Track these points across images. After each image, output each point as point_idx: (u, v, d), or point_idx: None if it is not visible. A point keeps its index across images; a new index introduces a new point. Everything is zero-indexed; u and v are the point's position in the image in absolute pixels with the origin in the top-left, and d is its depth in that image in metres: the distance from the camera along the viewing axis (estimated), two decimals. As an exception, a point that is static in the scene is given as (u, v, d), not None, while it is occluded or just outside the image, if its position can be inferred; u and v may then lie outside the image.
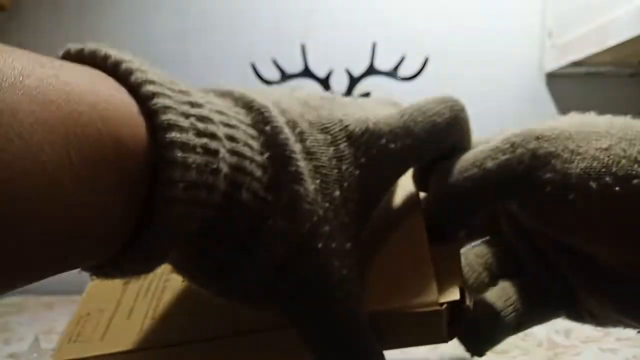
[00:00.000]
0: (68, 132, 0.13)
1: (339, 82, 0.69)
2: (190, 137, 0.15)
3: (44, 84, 0.13)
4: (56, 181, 0.13)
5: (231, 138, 0.17)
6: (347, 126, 0.20)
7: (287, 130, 0.19)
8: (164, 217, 0.15)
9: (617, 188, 0.19)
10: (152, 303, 0.26)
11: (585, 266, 0.21)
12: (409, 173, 0.25)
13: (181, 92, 0.16)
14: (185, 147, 0.15)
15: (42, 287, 0.63)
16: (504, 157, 0.21)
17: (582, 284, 0.22)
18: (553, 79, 0.74)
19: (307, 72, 0.70)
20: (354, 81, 0.70)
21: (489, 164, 0.21)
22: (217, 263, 0.18)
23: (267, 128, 0.18)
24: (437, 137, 0.22)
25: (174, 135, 0.15)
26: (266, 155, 0.18)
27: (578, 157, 0.20)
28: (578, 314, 0.24)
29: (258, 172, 0.17)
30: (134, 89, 0.15)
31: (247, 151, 0.17)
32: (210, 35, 0.75)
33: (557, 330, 0.44)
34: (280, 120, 0.18)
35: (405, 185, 0.25)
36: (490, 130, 0.24)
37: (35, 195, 0.13)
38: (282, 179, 0.18)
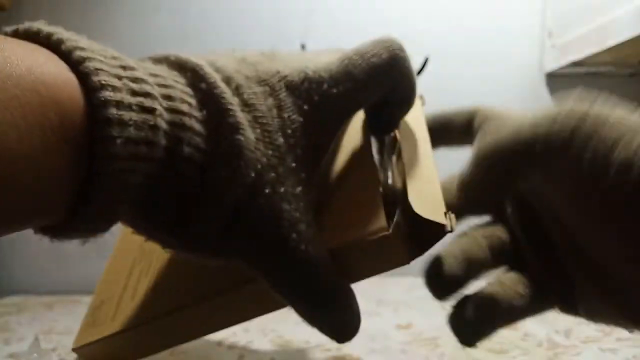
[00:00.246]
0: (10, 96, 0.14)
1: (339, 82, 0.69)
2: (125, 96, 0.16)
3: None
4: (2, 142, 0.13)
5: (167, 97, 0.18)
6: (285, 76, 0.21)
7: (222, 85, 0.19)
8: (105, 173, 0.16)
9: None
10: (151, 280, 0.27)
11: (593, 264, 0.21)
12: (360, 116, 0.26)
13: (114, 58, 0.17)
14: (120, 105, 0.16)
15: (42, 287, 0.63)
16: (543, 128, 0.21)
17: (588, 283, 0.22)
18: (553, 79, 0.74)
19: (307, 72, 0.70)
20: (354, 81, 0.70)
21: (526, 132, 0.21)
22: (169, 217, 0.19)
23: (203, 85, 0.19)
24: (376, 78, 0.22)
25: (107, 94, 0.16)
26: (205, 110, 0.19)
27: (620, 147, 0.19)
28: (572, 309, 0.24)
29: (198, 127, 0.18)
30: (66, 55, 0.16)
31: (185, 108, 0.18)
32: (210, 35, 0.75)
33: (557, 330, 0.44)
34: (215, 77, 0.19)
35: (357, 129, 0.26)
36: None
37: None
38: (222, 130, 0.18)
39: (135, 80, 0.17)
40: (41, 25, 0.17)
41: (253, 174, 0.19)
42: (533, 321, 0.46)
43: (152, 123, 0.17)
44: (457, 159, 0.26)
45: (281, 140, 0.20)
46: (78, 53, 0.16)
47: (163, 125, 0.17)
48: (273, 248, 0.20)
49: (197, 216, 0.19)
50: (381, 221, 0.21)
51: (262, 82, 0.21)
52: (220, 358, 0.38)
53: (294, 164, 0.20)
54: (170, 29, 0.75)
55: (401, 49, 0.23)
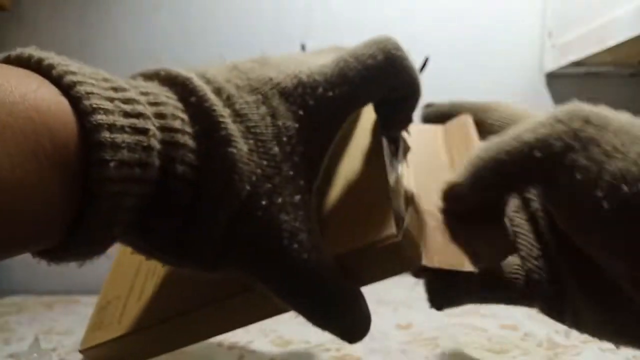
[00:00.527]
0: (3, 124, 0.14)
1: (339, 82, 0.69)
2: (117, 119, 0.16)
3: None
4: None
5: (160, 115, 0.18)
6: (278, 83, 0.21)
7: (212, 97, 0.19)
8: (99, 197, 0.16)
9: None
10: (157, 283, 0.27)
11: (589, 274, 0.21)
12: (371, 118, 0.26)
13: (105, 80, 0.17)
14: (112, 128, 0.16)
15: (42, 287, 0.63)
16: (543, 131, 0.21)
17: (580, 293, 0.22)
18: (553, 79, 0.74)
19: (307, 72, 0.70)
20: (354, 81, 0.70)
21: (528, 136, 0.21)
22: (165, 236, 0.19)
23: (193, 99, 0.19)
24: (372, 80, 0.22)
25: (99, 117, 0.16)
26: (197, 125, 0.18)
27: (618, 156, 0.19)
28: (559, 314, 0.23)
29: (190, 143, 0.18)
30: (58, 80, 0.16)
31: (177, 124, 0.18)
32: (211, 35, 0.75)
33: (557, 330, 0.44)
34: (204, 89, 0.19)
35: (367, 130, 0.26)
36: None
37: None
38: (213, 144, 0.18)
39: (127, 101, 0.17)
40: (32, 51, 0.17)
41: (248, 187, 0.19)
42: (533, 321, 0.46)
43: (145, 144, 0.17)
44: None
45: (276, 149, 0.20)
46: (69, 77, 0.16)
47: (156, 145, 0.17)
48: (274, 260, 0.20)
49: (193, 234, 0.18)
50: (391, 228, 0.21)
51: (254, 90, 0.20)
52: (220, 358, 0.38)
53: (291, 172, 0.20)
54: (170, 29, 0.75)
55: (396, 48, 0.23)
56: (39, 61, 0.16)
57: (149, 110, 0.17)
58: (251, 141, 0.19)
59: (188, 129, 0.18)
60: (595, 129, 0.20)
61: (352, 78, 0.22)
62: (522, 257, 0.24)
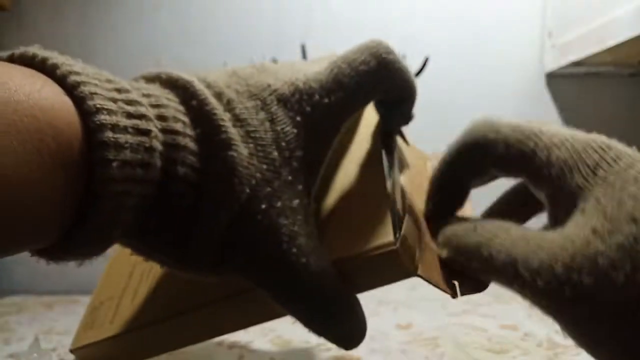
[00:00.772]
0: (8, 122, 0.14)
1: (339, 82, 0.69)
2: (121, 119, 0.16)
3: None
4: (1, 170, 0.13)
5: (161, 117, 0.18)
6: (276, 89, 0.21)
7: (213, 101, 0.19)
8: (101, 196, 0.16)
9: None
10: (152, 284, 0.27)
11: None
12: (370, 126, 0.27)
13: (108, 81, 0.17)
14: (115, 128, 0.16)
15: (42, 287, 0.63)
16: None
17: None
18: (553, 79, 0.74)
19: (307, 72, 0.70)
20: (354, 81, 0.70)
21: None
22: (165, 238, 0.19)
23: (194, 102, 0.19)
24: (366, 85, 0.23)
25: (103, 117, 0.16)
26: (197, 128, 0.19)
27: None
28: None
29: (192, 146, 0.18)
30: (62, 80, 0.16)
31: (179, 127, 0.18)
32: (210, 35, 0.75)
33: (557, 330, 0.44)
34: (205, 93, 0.19)
35: (367, 137, 0.26)
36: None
37: None
38: (214, 147, 0.19)
39: (130, 102, 0.17)
40: (36, 50, 0.17)
41: (248, 190, 0.19)
42: (533, 321, 0.47)
43: (147, 145, 0.17)
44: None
45: (275, 153, 0.20)
46: (73, 77, 0.16)
47: (158, 146, 0.17)
48: (273, 263, 0.20)
49: (193, 236, 0.19)
50: (388, 235, 0.21)
51: (253, 96, 0.21)
52: (220, 358, 0.38)
53: (290, 177, 0.20)
54: (170, 29, 0.75)
55: (388, 52, 0.23)
56: (43, 60, 0.16)
57: (151, 112, 0.17)
58: (251, 145, 0.19)
59: (189, 132, 0.18)
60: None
61: (346, 84, 0.22)
62: None
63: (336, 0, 0.75)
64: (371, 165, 0.25)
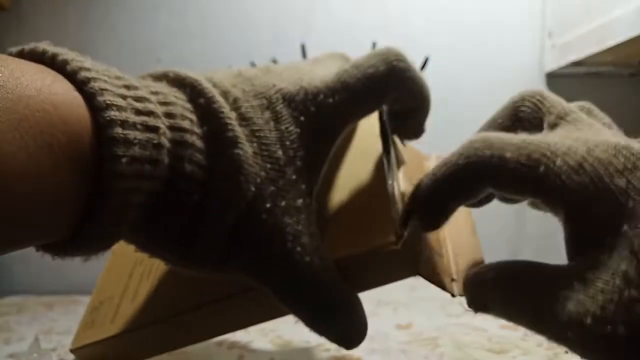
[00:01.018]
0: (20, 116, 0.14)
1: (339, 82, 0.69)
2: (130, 116, 0.16)
3: None
4: (11, 163, 0.14)
5: (169, 115, 0.18)
6: (281, 89, 0.21)
7: (220, 100, 0.19)
8: (110, 192, 0.16)
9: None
10: (153, 283, 0.27)
11: None
12: (370, 126, 0.27)
13: (117, 77, 0.17)
14: (125, 124, 0.16)
15: (42, 287, 0.63)
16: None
17: None
18: (553, 79, 0.74)
19: (307, 72, 0.70)
20: (354, 81, 0.70)
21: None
22: (171, 235, 0.19)
23: (201, 100, 0.19)
24: (373, 89, 0.22)
25: (113, 113, 0.16)
26: (204, 126, 0.19)
27: None
28: None
29: (199, 143, 0.18)
30: (72, 76, 0.16)
31: (186, 124, 0.18)
32: (210, 36, 0.75)
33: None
34: (213, 91, 0.19)
35: (368, 137, 0.26)
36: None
37: None
38: (220, 146, 0.19)
39: (138, 99, 0.17)
40: (46, 46, 0.17)
41: (253, 188, 0.19)
42: (533, 321, 0.46)
43: (156, 142, 0.17)
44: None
45: (280, 152, 0.20)
46: (83, 74, 0.16)
47: (166, 143, 0.17)
48: (277, 262, 0.20)
49: (199, 233, 0.19)
50: (390, 234, 0.21)
51: (258, 95, 0.21)
52: (220, 358, 0.38)
53: (294, 176, 0.20)
54: (170, 29, 0.75)
55: (399, 59, 0.23)
56: (53, 56, 0.17)
57: (159, 110, 0.18)
58: (255, 144, 0.20)
59: (197, 130, 0.18)
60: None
61: (352, 86, 0.22)
62: None
63: (336, 0, 0.75)
64: (371, 165, 0.25)
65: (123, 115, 0.16)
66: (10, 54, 0.17)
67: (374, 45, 0.68)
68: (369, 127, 0.27)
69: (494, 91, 0.74)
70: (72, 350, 0.29)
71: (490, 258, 0.23)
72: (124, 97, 0.17)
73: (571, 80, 0.73)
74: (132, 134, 0.16)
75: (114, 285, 0.30)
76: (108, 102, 0.16)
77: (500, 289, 0.19)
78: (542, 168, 0.17)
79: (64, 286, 0.69)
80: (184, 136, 0.18)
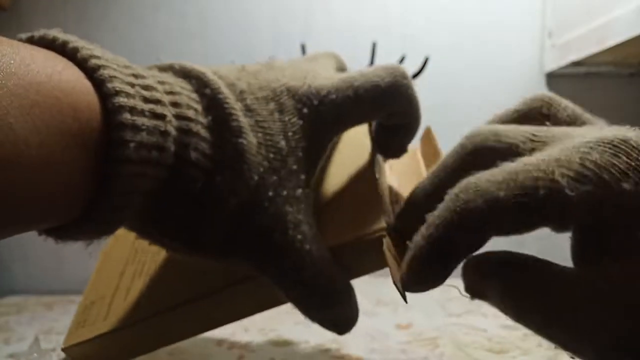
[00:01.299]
0: (32, 102, 0.14)
1: (339, 82, 0.69)
2: (138, 103, 0.17)
3: (5, 58, 0.14)
4: (24, 148, 0.14)
5: (175, 104, 0.18)
6: (285, 83, 0.22)
7: (226, 91, 0.20)
8: (118, 176, 0.16)
9: None
10: (145, 280, 0.27)
11: None
12: (365, 132, 0.27)
13: (126, 66, 0.18)
14: (133, 110, 0.16)
15: (42, 287, 0.63)
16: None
17: None
18: (553, 79, 0.74)
19: (307, 72, 0.70)
20: (354, 81, 0.70)
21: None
22: (174, 222, 0.19)
23: (207, 91, 0.19)
24: (376, 96, 0.23)
25: (122, 100, 0.16)
26: (210, 115, 0.19)
27: None
28: None
29: (203, 132, 0.19)
30: (82, 63, 0.17)
31: (191, 114, 0.19)
32: (210, 35, 0.75)
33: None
34: (219, 83, 0.20)
35: (359, 132, 0.27)
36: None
37: (5, 161, 0.13)
38: (225, 135, 0.19)
39: (146, 87, 0.17)
40: (57, 33, 0.17)
41: (256, 177, 0.19)
42: (533, 321, 0.46)
43: (163, 129, 0.17)
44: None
45: (283, 143, 0.21)
46: (93, 61, 0.17)
47: (172, 131, 0.18)
48: (279, 250, 0.20)
49: (202, 220, 0.19)
50: (380, 222, 0.22)
51: (263, 88, 0.21)
52: (220, 358, 0.38)
53: (295, 166, 0.21)
54: (169, 28, 0.75)
55: (404, 76, 0.24)
56: (64, 44, 0.17)
57: (166, 98, 0.18)
58: (260, 134, 0.20)
59: (201, 119, 0.19)
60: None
61: (356, 88, 0.22)
62: None
63: (336, 1, 0.75)
64: (361, 159, 0.26)
65: (131, 102, 0.16)
66: (21, 40, 0.17)
67: (374, 45, 0.68)
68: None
69: (494, 91, 0.74)
70: (63, 349, 0.29)
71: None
72: (133, 85, 0.17)
73: (571, 80, 0.73)
74: (140, 120, 0.16)
75: (106, 284, 0.30)
76: (117, 88, 0.16)
77: (502, 280, 0.17)
78: (542, 192, 0.15)
79: (63, 286, 0.69)
80: (189, 124, 0.18)
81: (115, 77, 0.16)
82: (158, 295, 0.26)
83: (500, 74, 0.74)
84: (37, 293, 0.68)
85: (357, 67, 0.77)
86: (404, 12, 0.74)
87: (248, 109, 0.20)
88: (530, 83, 0.74)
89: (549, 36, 0.73)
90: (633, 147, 0.15)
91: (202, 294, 0.24)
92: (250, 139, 0.20)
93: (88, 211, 0.16)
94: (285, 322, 0.46)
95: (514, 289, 0.17)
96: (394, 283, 0.20)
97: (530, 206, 0.16)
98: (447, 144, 0.24)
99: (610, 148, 0.16)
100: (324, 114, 0.22)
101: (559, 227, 0.17)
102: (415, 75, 0.69)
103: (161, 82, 0.19)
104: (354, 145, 0.27)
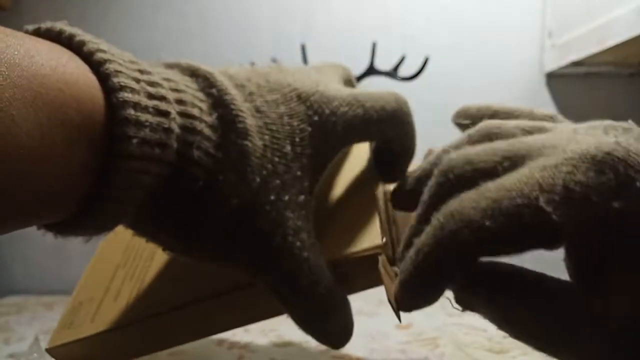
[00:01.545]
0: (35, 94, 0.14)
1: (339, 82, 0.69)
2: (142, 99, 0.17)
3: (10, 49, 0.14)
4: (25, 139, 0.14)
5: (180, 101, 0.18)
6: (296, 88, 0.22)
7: (234, 92, 0.20)
8: (120, 171, 0.16)
9: None
10: (136, 284, 0.27)
11: None
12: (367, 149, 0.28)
13: (131, 62, 0.18)
14: (137, 106, 0.16)
15: (42, 287, 0.63)
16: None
17: None
18: (553, 79, 0.74)
19: (307, 72, 0.70)
20: (354, 81, 0.70)
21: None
22: (174, 220, 0.19)
23: (213, 90, 0.19)
24: (382, 118, 0.23)
25: (127, 95, 0.16)
26: (215, 115, 0.19)
27: None
28: None
29: (207, 131, 0.19)
30: (88, 57, 0.16)
31: (196, 112, 0.18)
32: (210, 36, 0.75)
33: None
34: (226, 83, 0.20)
35: (364, 157, 0.28)
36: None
37: (6, 153, 0.13)
38: (230, 136, 0.19)
39: (151, 84, 0.17)
40: (63, 26, 0.17)
41: (258, 179, 0.19)
42: (533, 321, 0.46)
43: (166, 126, 0.17)
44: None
45: (288, 147, 0.20)
46: (99, 55, 0.16)
47: (176, 128, 0.18)
48: (277, 254, 0.20)
49: (202, 219, 0.19)
50: (378, 238, 0.22)
51: (273, 90, 0.21)
52: (220, 358, 0.38)
53: (298, 173, 0.21)
54: (169, 28, 0.75)
55: (407, 105, 0.24)
56: (70, 37, 0.17)
57: (170, 96, 0.18)
58: (266, 137, 0.20)
59: (206, 118, 0.19)
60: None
61: (366, 106, 0.23)
62: None
63: (336, 1, 0.75)
64: (363, 174, 0.26)
65: (136, 98, 0.16)
66: (27, 32, 0.17)
67: (374, 45, 0.68)
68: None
69: (494, 91, 0.74)
70: (48, 350, 0.28)
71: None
72: (138, 81, 0.17)
73: (571, 80, 0.73)
74: (143, 116, 0.16)
75: (95, 286, 0.30)
76: (122, 83, 0.16)
77: (493, 299, 0.18)
78: (527, 219, 0.15)
79: (64, 286, 0.69)
80: (193, 123, 0.18)
81: (120, 72, 0.16)
82: (147, 300, 0.26)
83: (500, 74, 0.74)
84: (37, 293, 0.68)
85: (357, 67, 0.77)
86: (404, 12, 0.74)
87: (257, 110, 0.20)
88: (530, 83, 0.74)
89: (549, 36, 0.73)
90: (619, 159, 0.15)
91: (192, 301, 0.24)
92: (256, 141, 0.19)
93: (87, 205, 0.16)
94: (285, 322, 0.46)
95: (497, 298, 0.18)
96: (389, 301, 0.20)
97: (516, 235, 0.15)
98: (447, 143, 0.24)
99: (594, 164, 0.15)
100: (334, 125, 0.22)
101: (548, 248, 0.16)
102: (415, 75, 0.69)
103: (167, 79, 0.19)
104: (358, 160, 0.27)
